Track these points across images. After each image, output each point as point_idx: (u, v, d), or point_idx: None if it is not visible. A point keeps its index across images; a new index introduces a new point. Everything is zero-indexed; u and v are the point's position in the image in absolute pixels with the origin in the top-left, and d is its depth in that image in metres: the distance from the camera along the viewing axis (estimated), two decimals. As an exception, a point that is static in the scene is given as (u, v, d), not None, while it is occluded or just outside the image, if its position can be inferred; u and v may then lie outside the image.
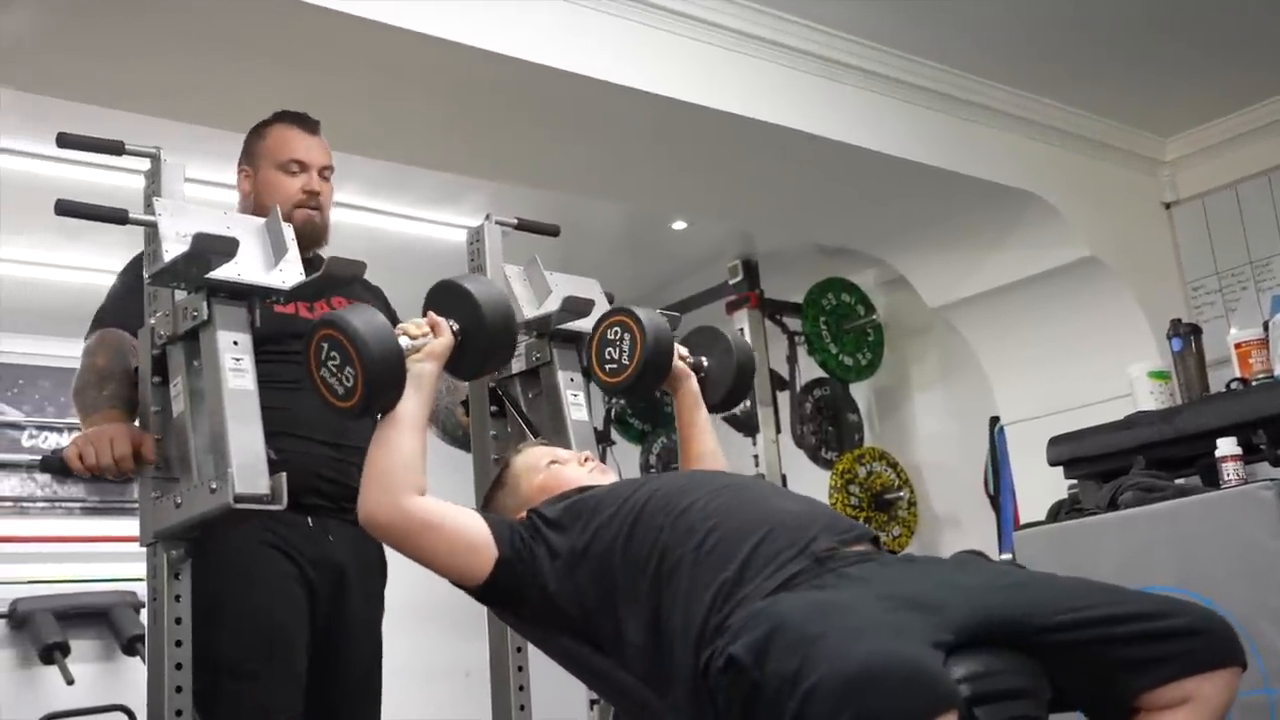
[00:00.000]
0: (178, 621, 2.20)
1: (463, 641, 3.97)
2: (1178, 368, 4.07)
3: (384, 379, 1.96)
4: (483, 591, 1.96)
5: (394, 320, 2.63)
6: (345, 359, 1.95)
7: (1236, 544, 3.06)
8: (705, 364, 2.56)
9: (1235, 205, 4.89)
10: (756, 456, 5.43)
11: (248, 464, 2.07)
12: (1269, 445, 3.37)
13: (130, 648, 5.25)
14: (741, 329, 5.55)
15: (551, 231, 2.92)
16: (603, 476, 2.21)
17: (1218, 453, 3.28)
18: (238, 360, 2.13)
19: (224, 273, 2.12)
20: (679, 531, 1.87)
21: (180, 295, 2.21)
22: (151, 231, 2.20)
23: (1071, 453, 3.84)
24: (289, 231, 2.23)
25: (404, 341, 2.03)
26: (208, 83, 3.34)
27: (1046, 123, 4.68)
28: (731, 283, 5.76)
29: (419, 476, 1.97)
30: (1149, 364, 4.13)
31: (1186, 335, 4.08)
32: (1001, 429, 5.18)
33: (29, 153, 4.07)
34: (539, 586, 1.94)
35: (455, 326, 2.12)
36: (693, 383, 2.48)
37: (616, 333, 2.39)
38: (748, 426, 5.48)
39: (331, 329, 1.97)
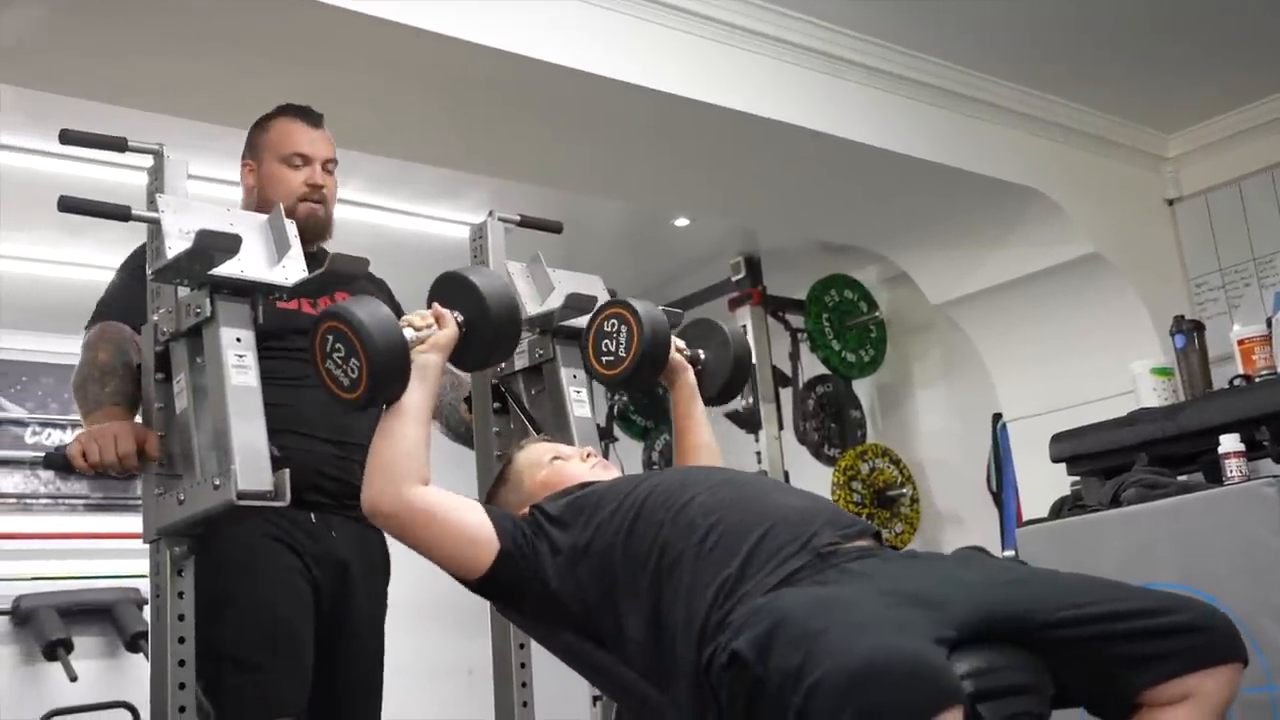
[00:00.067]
0: (181, 618, 2.20)
1: (465, 639, 3.98)
2: (1180, 364, 4.07)
3: (389, 370, 1.96)
4: (483, 585, 1.96)
5: (398, 313, 2.64)
6: (350, 350, 1.96)
7: (1239, 541, 3.06)
8: (702, 356, 2.56)
9: (1238, 201, 4.89)
10: (759, 453, 5.43)
11: (251, 460, 2.07)
12: (1272, 442, 3.37)
13: (134, 644, 5.26)
14: (744, 326, 5.55)
15: (554, 228, 2.91)
16: (605, 472, 2.21)
17: (1220, 449, 3.28)
18: (241, 357, 2.13)
19: (227, 269, 2.12)
20: (680, 527, 1.87)
21: (183, 292, 2.21)
22: (154, 228, 2.20)
23: (1074, 449, 3.84)
24: (292, 228, 2.22)
25: (408, 333, 2.04)
26: (210, 79, 3.34)
27: (1049, 119, 4.68)
28: (734, 279, 5.76)
29: (423, 467, 1.98)
30: (1152, 360, 4.13)
31: (1189, 332, 4.08)
32: (1004, 426, 5.19)
33: (31, 149, 4.08)
34: (540, 582, 1.94)
35: (460, 318, 2.12)
36: (689, 375, 2.48)
37: (613, 325, 2.38)
38: (750, 423, 5.49)
39: (336, 321, 1.98)
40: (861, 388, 5.91)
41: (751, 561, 1.77)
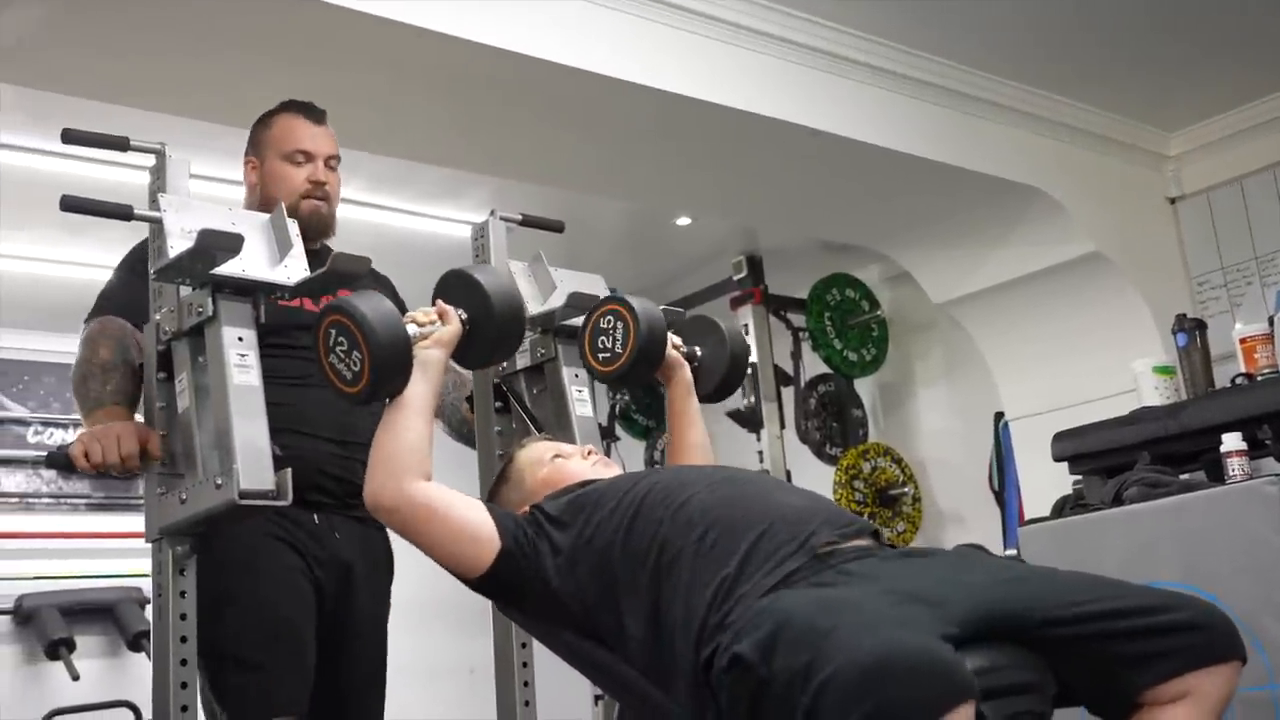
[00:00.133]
0: (183, 617, 2.20)
1: (467, 639, 3.98)
2: (1183, 363, 4.06)
3: (391, 363, 1.97)
4: (483, 583, 1.96)
5: (402, 309, 2.65)
6: (352, 344, 1.97)
7: (1241, 539, 3.06)
8: (699, 353, 2.55)
9: (1240, 200, 4.89)
10: (761, 452, 5.43)
11: (253, 460, 2.07)
12: (1274, 440, 3.37)
13: (135, 644, 5.27)
14: (746, 325, 5.55)
15: (556, 227, 2.91)
16: (606, 470, 2.21)
17: (1223, 448, 3.28)
18: (243, 356, 2.13)
19: (229, 269, 2.12)
20: (679, 524, 1.87)
21: (185, 291, 2.21)
22: (156, 227, 2.20)
23: (1076, 448, 3.83)
24: (294, 227, 2.22)
25: (411, 329, 2.06)
26: (211, 79, 3.34)
27: (1051, 118, 4.69)
28: (736, 278, 5.76)
29: (425, 462, 1.98)
30: (1154, 359, 4.12)
31: (1191, 330, 4.07)
32: (1006, 424, 5.19)
33: (33, 149, 4.08)
34: (541, 581, 1.94)
35: (464, 315, 2.13)
36: (686, 372, 2.47)
37: (610, 321, 2.37)
38: (752, 422, 5.49)
39: (339, 315, 1.99)
40: (863, 387, 5.91)
41: (749, 561, 1.77)
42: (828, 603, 1.61)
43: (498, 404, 2.69)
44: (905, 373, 5.98)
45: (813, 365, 5.75)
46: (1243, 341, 3.69)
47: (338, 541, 2.56)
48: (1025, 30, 4.12)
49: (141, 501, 2.29)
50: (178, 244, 2.11)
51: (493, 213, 2.78)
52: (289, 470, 2.09)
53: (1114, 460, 3.67)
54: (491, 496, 2.26)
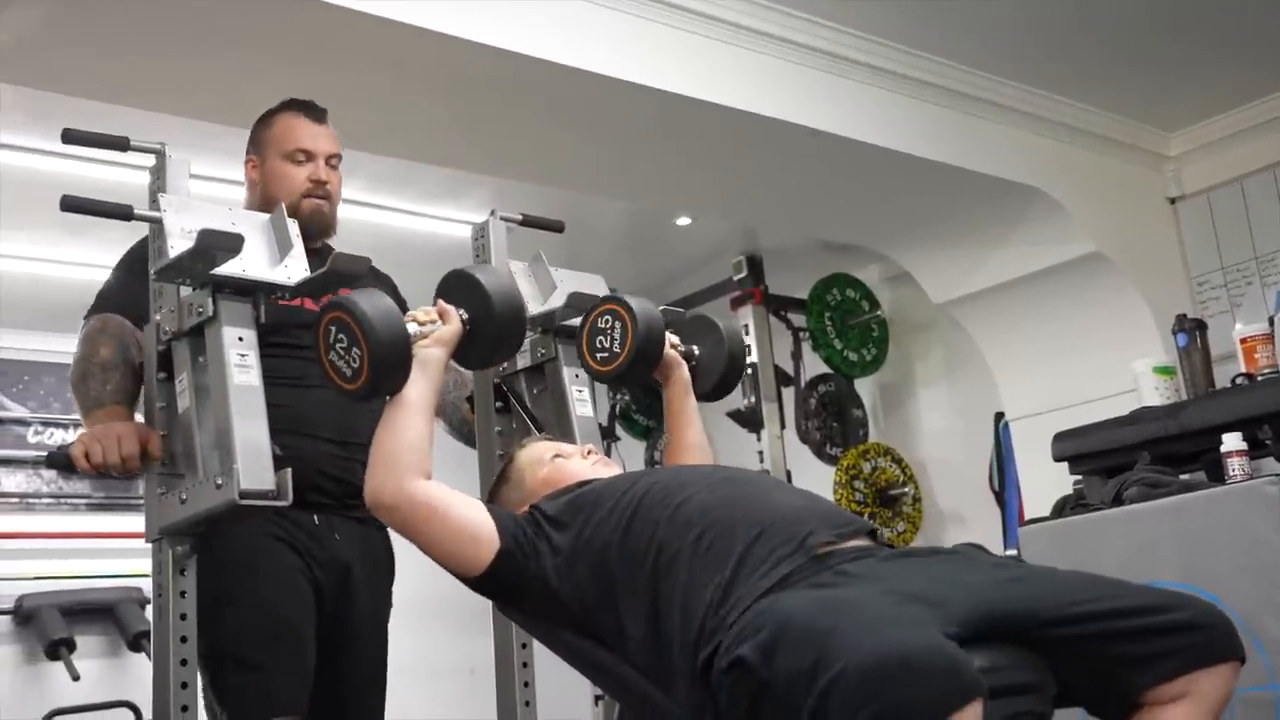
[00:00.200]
0: (183, 617, 2.20)
1: (467, 639, 3.98)
2: (1183, 363, 4.06)
3: (390, 360, 1.98)
4: (482, 582, 1.96)
5: (403, 308, 2.65)
6: (352, 340, 1.98)
7: (1242, 539, 3.06)
8: (696, 352, 2.55)
9: (1240, 200, 4.89)
10: (761, 453, 5.43)
11: (253, 460, 2.07)
12: (1274, 440, 3.37)
13: (136, 644, 5.27)
14: (746, 325, 5.55)
15: (556, 227, 2.91)
16: (606, 469, 2.21)
17: (1223, 448, 3.28)
18: (243, 356, 2.13)
19: (229, 269, 2.12)
20: (676, 525, 1.87)
21: (185, 291, 2.21)
22: (157, 228, 2.20)
23: (1076, 448, 3.84)
24: (294, 227, 2.22)
25: (412, 327, 2.07)
26: (211, 79, 3.34)
27: (1051, 118, 4.69)
28: (736, 279, 5.76)
29: (425, 460, 1.99)
30: (1154, 359, 4.13)
31: (1192, 330, 4.07)
32: (1006, 425, 5.19)
33: (33, 148, 4.08)
34: (541, 581, 1.94)
35: (465, 315, 2.13)
36: (684, 371, 2.47)
37: (607, 321, 2.37)
38: (752, 422, 5.49)
39: (339, 311, 2.00)
40: (863, 387, 5.91)
41: (746, 562, 1.77)
42: (829, 603, 1.61)
43: (498, 404, 2.69)
44: (905, 373, 5.98)
45: (813, 365, 5.75)
46: (1243, 341, 3.69)
47: (337, 542, 2.55)
48: (1025, 30, 4.12)
49: (142, 501, 2.29)
50: (178, 244, 2.11)
51: (493, 213, 2.78)
52: (289, 470, 2.09)
53: (1114, 460, 3.67)
54: (492, 496, 2.26)
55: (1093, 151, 4.86)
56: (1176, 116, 4.95)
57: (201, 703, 2.25)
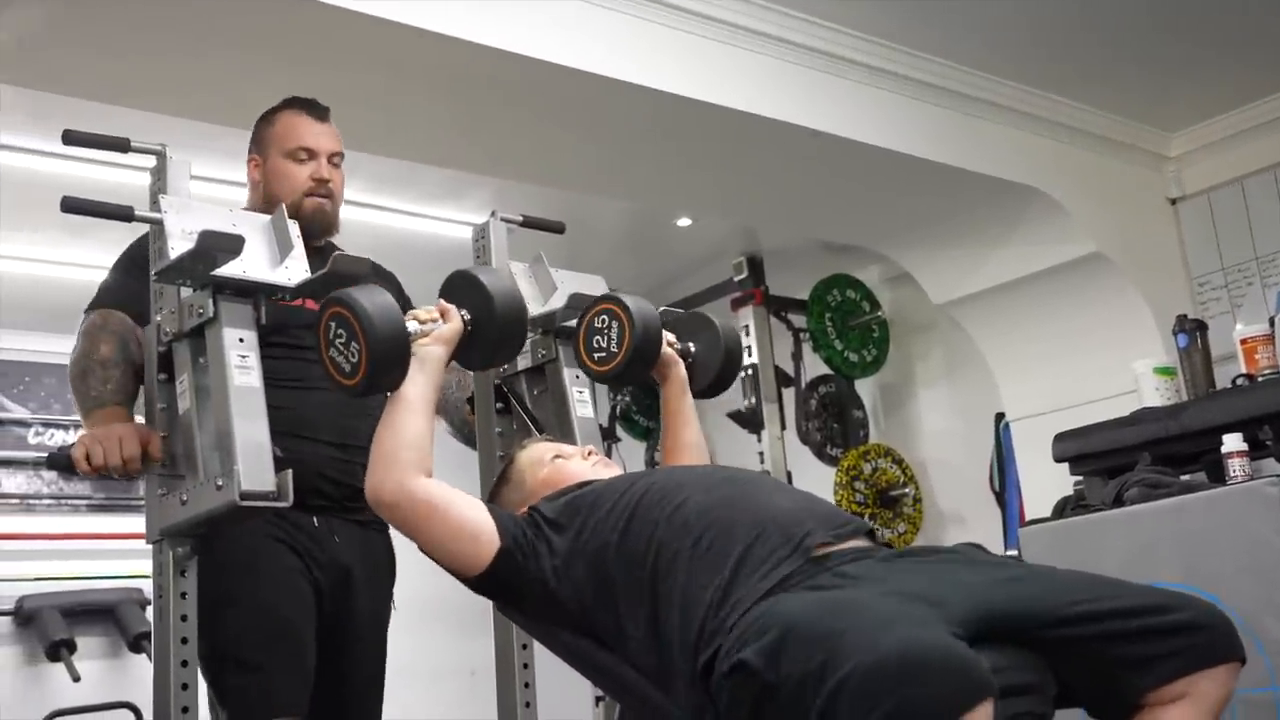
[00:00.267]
0: (184, 619, 2.21)
1: (468, 640, 3.98)
2: (1183, 364, 4.06)
3: (387, 355, 1.98)
4: (482, 582, 1.96)
5: (408, 305, 2.65)
6: (351, 335, 1.99)
7: (1242, 540, 3.06)
8: (693, 349, 2.54)
9: (1241, 200, 4.89)
10: (761, 453, 5.42)
11: (253, 461, 2.07)
12: (1275, 441, 3.36)
13: (136, 645, 5.27)
14: (746, 326, 5.55)
15: (556, 228, 2.91)
16: (606, 470, 2.21)
17: (1223, 449, 3.28)
18: (244, 357, 2.14)
19: (230, 270, 2.12)
20: (675, 527, 1.87)
21: (186, 292, 2.21)
22: (157, 229, 2.20)
23: (1077, 449, 3.83)
24: (294, 228, 2.22)
25: (412, 325, 2.07)
26: (211, 79, 3.34)
27: (1052, 119, 4.68)
28: (736, 279, 5.76)
29: (425, 458, 1.99)
30: (1154, 360, 4.13)
31: (1192, 331, 4.07)
32: (1007, 425, 5.19)
33: (33, 150, 4.08)
34: (540, 582, 1.94)
35: (466, 315, 2.14)
36: (681, 369, 2.46)
37: (604, 320, 2.36)
38: (753, 423, 5.49)
39: (339, 306, 2.01)
40: (864, 387, 5.91)
41: (745, 563, 1.77)
42: (834, 604, 1.61)
43: (498, 405, 2.69)
44: (906, 373, 5.98)
45: (813, 366, 5.75)
46: (1243, 342, 3.69)
47: (337, 545, 2.55)
48: (1025, 30, 4.12)
49: (142, 503, 2.29)
50: (179, 245, 2.11)
51: (493, 214, 2.78)
52: (289, 471, 2.09)
53: (1115, 461, 3.67)
54: (492, 497, 2.26)
55: (1093, 152, 4.85)
56: (1177, 117, 4.95)
57: (204, 704, 2.25)
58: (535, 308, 2.58)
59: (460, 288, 2.18)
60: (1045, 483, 4.28)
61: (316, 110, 2.70)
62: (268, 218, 2.25)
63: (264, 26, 3.11)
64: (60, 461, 2.35)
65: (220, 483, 2.07)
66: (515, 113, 3.70)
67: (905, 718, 1.40)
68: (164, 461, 2.27)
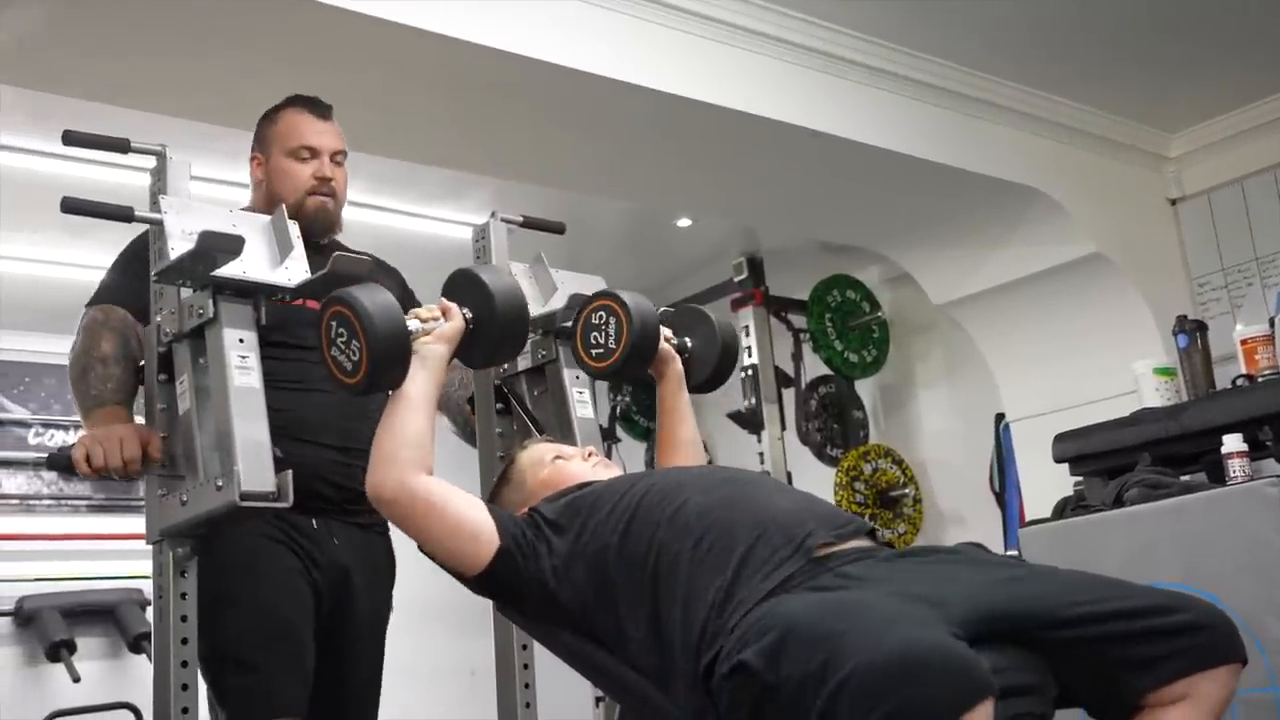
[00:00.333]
0: (184, 619, 2.21)
1: (468, 640, 3.98)
2: (1183, 364, 4.07)
3: (388, 353, 1.99)
4: (481, 581, 1.96)
5: (411, 300, 2.64)
6: (351, 333, 2.00)
7: (1242, 540, 3.06)
8: (689, 345, 2.53)
9: (1241, 201, 4.89)
10: (761, 454, 5.42)
11: (253, 461, 2.07)
12: (1275, 442, 3.37)
13: (136, 645, 5.27)
14: (746, 326, 5.55)
15: (557, 229, 2.91)
16: (606, 471, 2.21)
17: (1223, 449, 3.28)
18: (244, 358, 2.14)
19: (230, 270, 2.13)
20: (675, 528, 1.87)
21: (186, 293, 2.21)
22: (157, 229, 2.20)
23: (1077, 449, 3.84)
24: (294, 229, 2.22)
25: (413, 323, 2.08)
26: (211, 80, 3.33)
27: (1052, 119, 4.68)
28: (736, 280, 5.75)
29: (426, 456, 1.99)
30: (1154, 360, 4.13)
31: (1192, 331, 4.07)
32: (1007, 426, 5.19)
33: (33, 150, 4.08)
34: (539, 582, 1.94)
35: (468, 314, 2.14)
36: (677, 365, 2.45)
37: (601, 317, 2.35)
38: (753, 424, 5.49)
39: (339, 305, 2.02)
40: (864, 388, 5.90)
41: (745, 565, 1.77)
42: (835, 605, 1.61)
43: (499, 406, 2.69)
44: (906, 374, 5.98)
45: (813, 367, 5.74)
46: (1243, 343, 3.69)
47: (336, 547, 2.55)
48: (1025, 31, 4.12)
49: (142, 503, 2.29)
50: (179, 246, 2.11)
51: (494, 214, 2.78)
52: (289, 472, 2.09)
53: (1115, 461, 3.67)
54: (493, 497, 2.26)
55: (1093, 152, 4.85)
56: (1177, 117, 4.95)
57: (204, 704, 2.25)
58: (535, 308, 2.57)
59: (461, 286, 2.19)
60: (1045, 483, 4.29)
61: (319, 108, 2.69)
62: (268, 218, 2.25)
63: (264, 26, 3.11)
64: (60, 462, 2.35)
65: (220, 483, 2.07)
66: (515, 113, 3.70)
67: (905, 718, 1.40)
68: (164, 462, 2.27)
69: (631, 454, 6.33)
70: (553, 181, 4.38)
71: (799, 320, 5.75)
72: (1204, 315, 4.65)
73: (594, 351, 2.36)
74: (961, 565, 1.83)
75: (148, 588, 2.31)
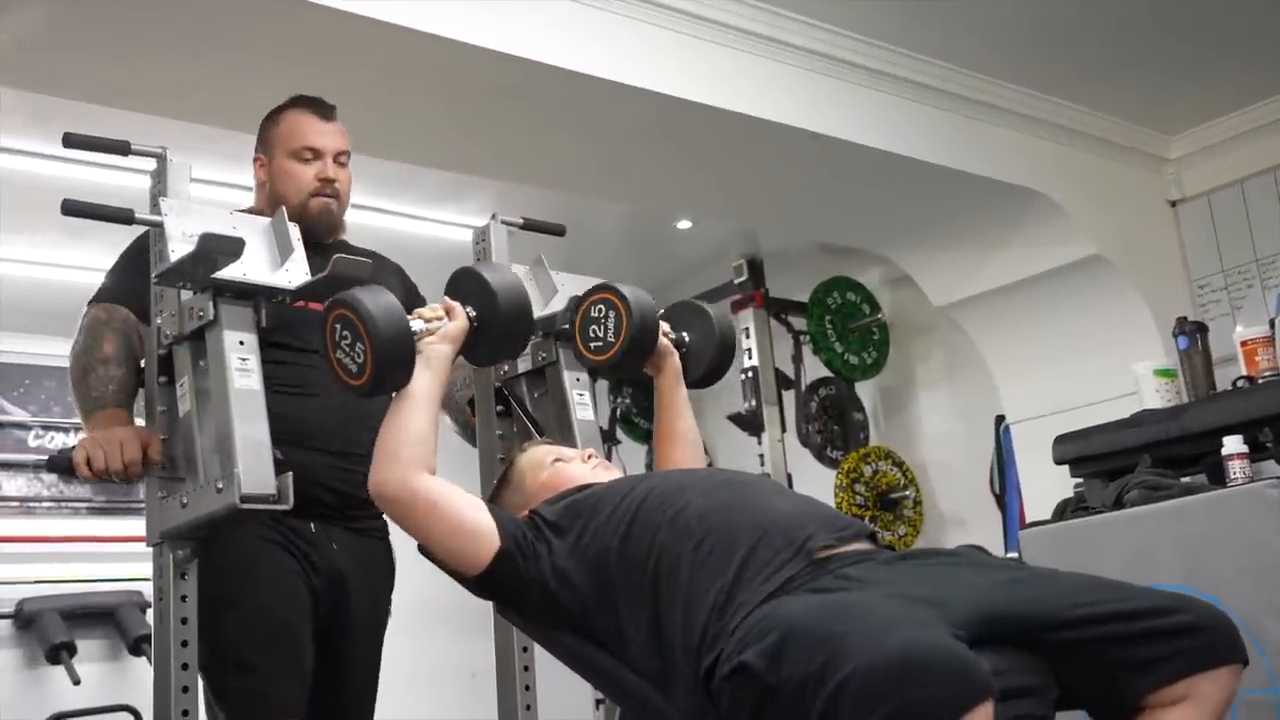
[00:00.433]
0: (184, 621, 2.21)
1: (468, 642, 3.98)
2: (1184, 366, 4.06)
3: (393, 355, 1.99)
4: (481, 582, 1.96)
5: (414, 296, 2.64)
6: (356, 336, 2.00)
7: (1243, 542, 3.06)
8: (687, 339, 2.52)
9: (1241, 202, 4.89)
10: (762, 456, 5.42)
11: (253, 464, 2.07)
12: (1275, 443, 3.37)
13: (136, 648, 5.27)
14: (746, 328, 5.55)
15: (557, 231, 2.91)
16: (606, 473, 2.21)
17: (1224, 451, 3.28)
18: (244, 360, 2.14)
19: (230, 273, 2.13)
20: (676, 531, 1.87)
21: (186, 295, 2.21)
22: (158, 231, 2.20)
23: (1077, 451, 3.83)
24: (295, 231, 2.23)
25: (417, 324, 2.08)
26: (212, 82, 3.33)
27: (1052, 121, 4.68)
28: (736, 282, 5.75)
29: (429, 455, 2.00)
30: (1155, 362, 4.12)
31: (1192, 333, 4.07)
32: (1007, 427, 5.18)
33: (33, 152, 4.08)
34: (539, 584, 1.94)
35: (472, 313, 2.14)
36: (675, 359, 2.45)
37: (600, 310, 2.35)
38: (753, 426, 5.48)
39: (343, 308, 2.02)
40: (864, 390, 5.90)
41: (747, 568, 1.77)
42: (835, 607, 1.61)
43: (499, 408, 2.69)
44: (906, 376, 5.98)
45: (814, 368, 5.74)
46: (1244, 344, 3.69)
47: (334, 552, 2.54)
48: (1025, 32, 4.12)
49: (143, 505, 2.29)
50: (179, 248, 2.12)
51: (494, 216, 2.78)
52: (290, 474, 2.09)
53: (1115, 463, 3.67)
54: (493, 499, 2.26)
55: (1093, 154, 4.85)
56: (1177, 119, 4.95)
57: (203, 706, 2.25)
58: (536, 310, 2.57)
59: (464, 284, 2.19)
60: (1045, 485, 4.28)
61: (322, 109, 2.69)
62: (268, 220, 2.25)
63: (264, 28, 3.11)
64: (60, 464, 2.36)
65: (220, 485, 2.07)
66: (516, 115, 3.70)
67: (906, 719, 1.40)
68: (164, 464, 2.27)
69: (632, 456, 6.33)
70: (553, 184, 4.39)
71: (799, 322, 5.74)
72: (1204, 317, 4.65)
73: (593, 344, 2.36)
74: (962, 568, 1.83)
75: (148, 590, 2.31)
